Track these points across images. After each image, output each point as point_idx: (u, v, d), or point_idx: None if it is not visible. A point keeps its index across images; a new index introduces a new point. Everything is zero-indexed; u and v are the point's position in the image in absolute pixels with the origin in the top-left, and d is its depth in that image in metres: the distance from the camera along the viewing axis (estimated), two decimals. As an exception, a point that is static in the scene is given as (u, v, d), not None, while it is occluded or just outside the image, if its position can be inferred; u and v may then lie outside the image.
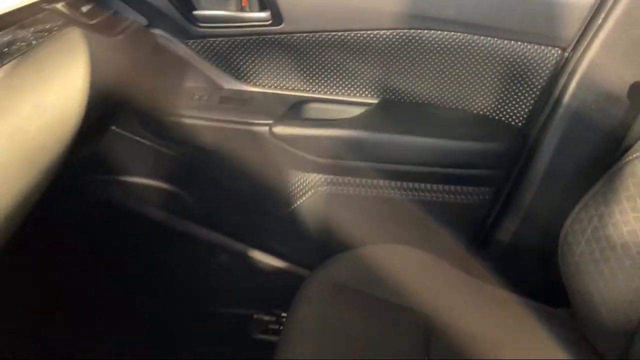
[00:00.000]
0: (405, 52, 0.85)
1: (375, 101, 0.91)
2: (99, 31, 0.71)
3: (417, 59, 0.85)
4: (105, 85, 0.66)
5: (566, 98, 0.81)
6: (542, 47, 0.81)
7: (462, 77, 0.86)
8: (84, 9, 0.71)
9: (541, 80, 0.83)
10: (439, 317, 0.79)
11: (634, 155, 0.73)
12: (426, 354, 0.73)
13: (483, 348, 0.78)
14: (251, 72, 0.92)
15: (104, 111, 0.65)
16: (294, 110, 0.91)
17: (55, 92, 0.54)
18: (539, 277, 0.90)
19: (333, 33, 0.83)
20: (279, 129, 0.88)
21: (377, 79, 0.90)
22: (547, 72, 0.82)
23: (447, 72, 0.86)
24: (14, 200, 0.43)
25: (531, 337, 0.82)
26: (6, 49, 0.57)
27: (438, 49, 0.84)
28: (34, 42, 0.60)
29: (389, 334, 0.76)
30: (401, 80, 0.89)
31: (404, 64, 0.86)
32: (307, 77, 0.91)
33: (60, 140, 0.52)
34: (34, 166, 0.47)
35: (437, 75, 0.87)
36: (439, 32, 0.82)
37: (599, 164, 0.80)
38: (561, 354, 0.81)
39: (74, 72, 0.59)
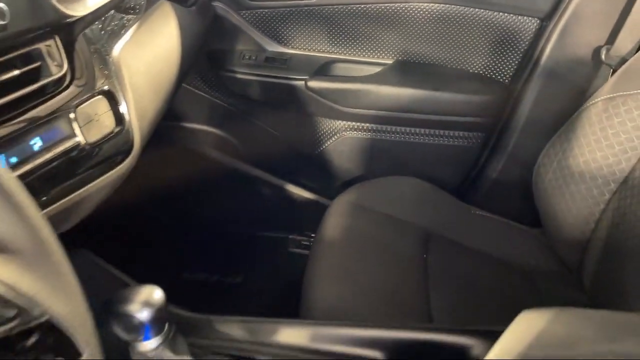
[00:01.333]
0: (414, 22, 1.05)
1: (390, 62, 1.13)
2: (178, 3, 0.93)
3: (424, 27, 1.06)
4: (187, 44, 0.89)
5: (543, 59, 1.01)
6: (525, 18, 1.01)
7: (460, 42, 1.07)
8: (168, -14, 0.93)
9: (523, 45, 1.04)
10: (436, 230, 1.02)
11: (590, 103, 0.93)
12: (424, 253, 0.96)
13: (469, 253, 1.00)
14: (290, 37, 1.13)
15: (187, 63, 0.87)
16: (324, 69, 1.13)
17: (162, 47, 0.77)
18: (519, 204, 1.11)
19: (357, 5, 1.04)
20: (313, 83, 1.10)
21: (392, 44, 1.11)
22: (528, 38, 1.03)
23: (448, 38, 1.07)
24: (151, 118, 0.66)
25: (509, 249, 1.04)
26: (123, 18, 0.80)
27: (441, 19, 1.04)
28: (131, 17, 0.82)
29: (396, 239, 0.98)
30: (411, 45, 1.10)
31: (413, 31, 1.07)
32: (335, 42, 1.12)
33: (170, 80, 0.75)
34: (158, 96, 0.70)
35: (440, 40, 1.07)
36: (442, 5, 1.02)
37: (567, 111, 1.01)
38: (531, 261, 1.03)
39: (171, 32, 0.81)
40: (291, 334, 0.61)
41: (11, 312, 0.25)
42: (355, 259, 0.93)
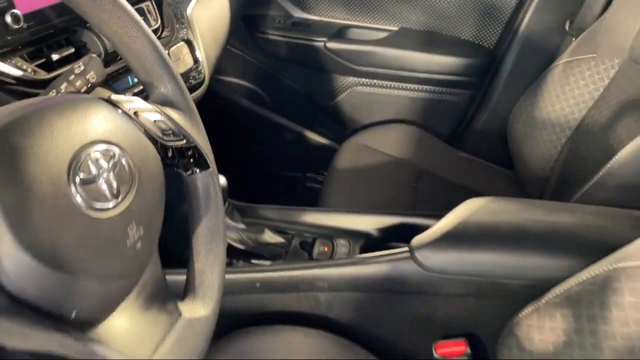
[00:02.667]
0: (416, -5, 1.28)
1: (395, 28, 1.35)
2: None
3: (424, 0, 1.29)
4: (233, 7, 1.12)
5: (521, 29, 1.23)
6: (507, -6, 1.23)
7: (453, 13, 1.29)
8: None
9: (505, 17, 1.26)
10: (426, 167, 1.26)
11: (554, 65, 1.15)
12: (415, 183, 1.21)
13: (451, 186, 1.24)
14: (313, 5, 1.36)
15: (234, 22, 1.10)
16: (341, 33, 1.36)
17: (218, 8, 1.01)
18: (498, 150, 1.34)
19: (369, -20, 1.27)
20: (331, 45, 1.34)
21: (397, 13, 1.33)
22: (509, 11, 1.25)
23: (443, 10, 1.29)
24: (213, 60, 0.90)
25: (485, 185, 1.28)
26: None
27: (439, -7, 1.27)
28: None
29: (393, 172, 1.22)
30: (412, 15, 1.32)
31: (415, 3, 1.30)
32: (351, 11, 1.35)
33: (224, 33, 0.99)
34: (217, 44, 0.94)
35: (436, 11, 1.30)
36: (440, -19, 1.25)
37: (538, 73, 1.23)
38: (501, 194, 1.26)
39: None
40: (312, 217, 0.87)
41: (180, 137, 0.50)
42: (359, 183, 1.18)
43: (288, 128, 1.50)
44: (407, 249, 0.71)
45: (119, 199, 0.38)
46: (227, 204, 0.81)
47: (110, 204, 0.37)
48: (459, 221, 0.72)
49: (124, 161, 0.39)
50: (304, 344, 0.72)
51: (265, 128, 1.51)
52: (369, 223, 0.86)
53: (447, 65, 1.31)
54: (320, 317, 0.75)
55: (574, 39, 1.18)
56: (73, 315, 0.35)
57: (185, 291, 0.50)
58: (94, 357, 0.38)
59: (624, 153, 0.81)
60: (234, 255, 0.82)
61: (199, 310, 0.47)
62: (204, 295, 0.48)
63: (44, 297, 0.33)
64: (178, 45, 0.82)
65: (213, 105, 1.49)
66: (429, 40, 1.33)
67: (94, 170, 0.37)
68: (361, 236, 0.85)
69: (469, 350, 0.70)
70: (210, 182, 0.53)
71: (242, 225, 0.82)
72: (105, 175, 0.37)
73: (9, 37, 0.58)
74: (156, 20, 0.81)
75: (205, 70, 0.86)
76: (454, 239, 0.71)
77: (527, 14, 1.22)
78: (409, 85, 1.36)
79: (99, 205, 0.36)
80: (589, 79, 1.09)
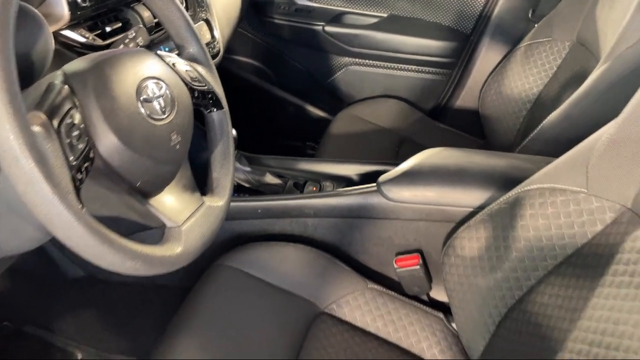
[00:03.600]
0: (403, -14, 1.48)
1: (385, 15, 1.55)
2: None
3: (410, -10, 1.48)
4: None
5: (492, 17, 1.42)
6: (481, -14, 1.42)
7: (436, 3, 1.48)
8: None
9: (479, 7, 1.45)
10: (407, 136, 1.46)
11: (517, 48, 1.35)
12: (397, 148, 1.40)
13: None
14: (314, -7, 1.57)
15: (244, 6, 1.31)
16: (337, 18, 1.56)
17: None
18: (473, 122, 1.54)
19: (362, -27, 1.47)
20: (329, 29, 1.53)
21: (387, 2, 1.52)
22: (482, 1, 1.43)
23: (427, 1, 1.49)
24: (226, 38, 1.11)
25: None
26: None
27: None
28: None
29: (378, 139, 1.42)
30: (401, 3, 1.51)
31: (402, -8, 1.49)
32: (346, -1, 1.56)
33: (236, 16, 1.19)
34: (229, 25, 1.14)
35: (422, 0, 1.49)
36: (423, -26, 1.44)
37: (508, 54, 1.42)
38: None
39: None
40: (304, 165, 1.08)
41: (204, 84, 0.70)
42: (349, 147, 1.38)
43: (290, 102, 1.71)
44: (375, 184, 0.92)
45: (166, 114, 0.59)
46: (236, 152, 1.02)
47: (161, 117, 0.58)
48: (416, 163, 0.93)
49: (168, 92, 0.60)
50: (294, 255, 0.93)
51: (271, 101, 1.72)
52: (351, 170, 1.06)
53: (430, 48, 1.51)
54: (307, 238, 0.96)
55: (535, 25, 1.37)
56: (139, 183, 0.56)
57: (206, 191, 0.71)
58: (150, 216, 0.59)
59: (554, 114, 1.00)
60: (241, 191, 1.03)
61: (216, 201, 0.68)
62: (219, 193, 0.69)
63: (122, 166, 0.54)
64: (199, 23, 1.02)
65: (226, 81, 1.70)
66: (415, 26, 1.52)
67: (150, 94, 0.57)
68: (344, 180, 1.05)
69: (421, 262, 0.91)
70: (224, 118, 0.74)
71: (248, 169, 1.02)
72: (157, 98, 0.58)
73: (78, 13, 0.79)
74: (182, 3, 1.01)
75: (220, 45, 1.07)
76: (411, 176, 0.91)
77: (498, 4, 1.41)
78: (397, 65, 1.55)
79: (154, 116, 0.57)
80: (545, 59, 1.28)
